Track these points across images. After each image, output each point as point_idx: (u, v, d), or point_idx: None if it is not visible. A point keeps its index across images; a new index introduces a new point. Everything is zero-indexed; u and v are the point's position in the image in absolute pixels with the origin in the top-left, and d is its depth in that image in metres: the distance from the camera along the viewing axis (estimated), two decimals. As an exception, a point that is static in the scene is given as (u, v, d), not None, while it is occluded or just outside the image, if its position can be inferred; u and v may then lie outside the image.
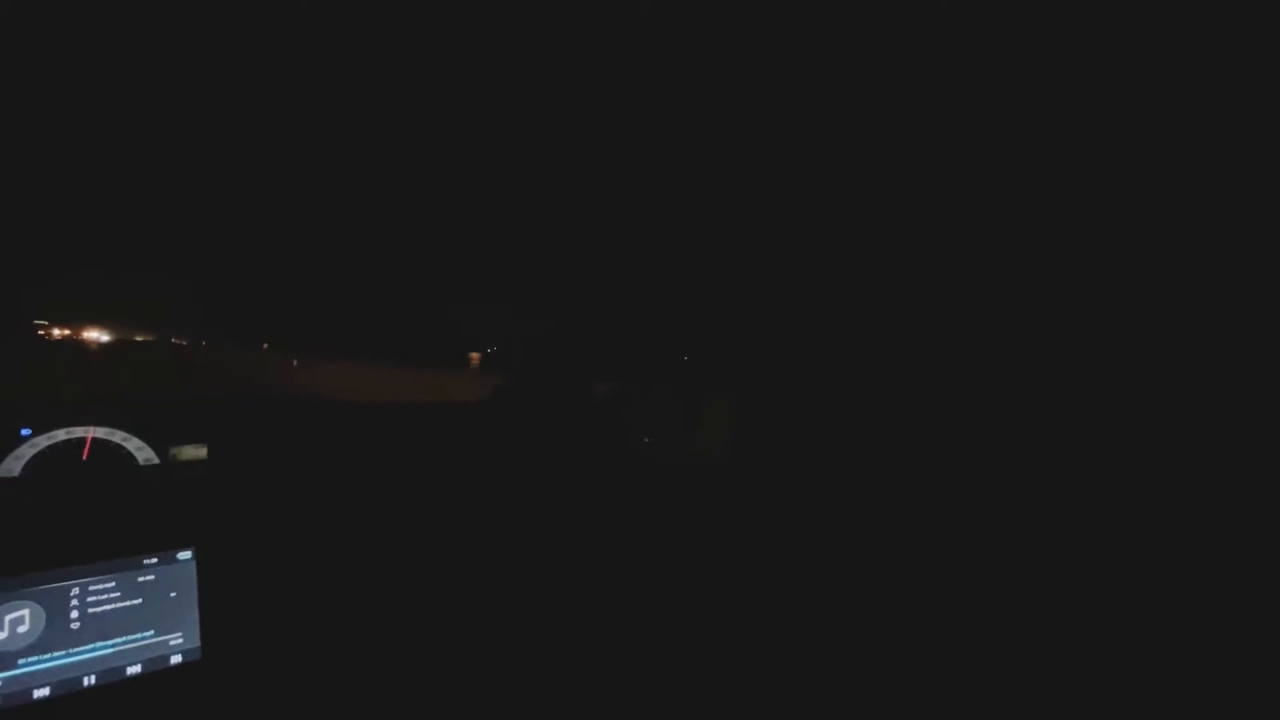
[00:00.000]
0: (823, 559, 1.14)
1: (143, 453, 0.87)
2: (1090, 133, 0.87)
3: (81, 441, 0.83)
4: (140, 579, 0.77)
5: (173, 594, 0.79)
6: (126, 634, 0.74)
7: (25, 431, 0.80)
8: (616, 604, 1.07)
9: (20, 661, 0.68)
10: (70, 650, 0.71)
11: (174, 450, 0.89)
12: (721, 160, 1.10)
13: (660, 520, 1.21)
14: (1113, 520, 0.93)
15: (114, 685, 0.72)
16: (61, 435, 0.82)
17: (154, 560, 0.79)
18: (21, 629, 0.70)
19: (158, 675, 0.74)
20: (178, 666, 0.76)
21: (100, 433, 0.85)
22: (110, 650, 0.73)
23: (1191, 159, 0.84)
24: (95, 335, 1.08)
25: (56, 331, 1.07)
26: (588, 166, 1.17)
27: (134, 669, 0.73)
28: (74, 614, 0.72)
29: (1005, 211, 0.98)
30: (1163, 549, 0.89)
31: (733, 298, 1.33)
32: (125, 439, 0.86)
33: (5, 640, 0.68)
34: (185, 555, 0.81)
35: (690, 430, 1.38)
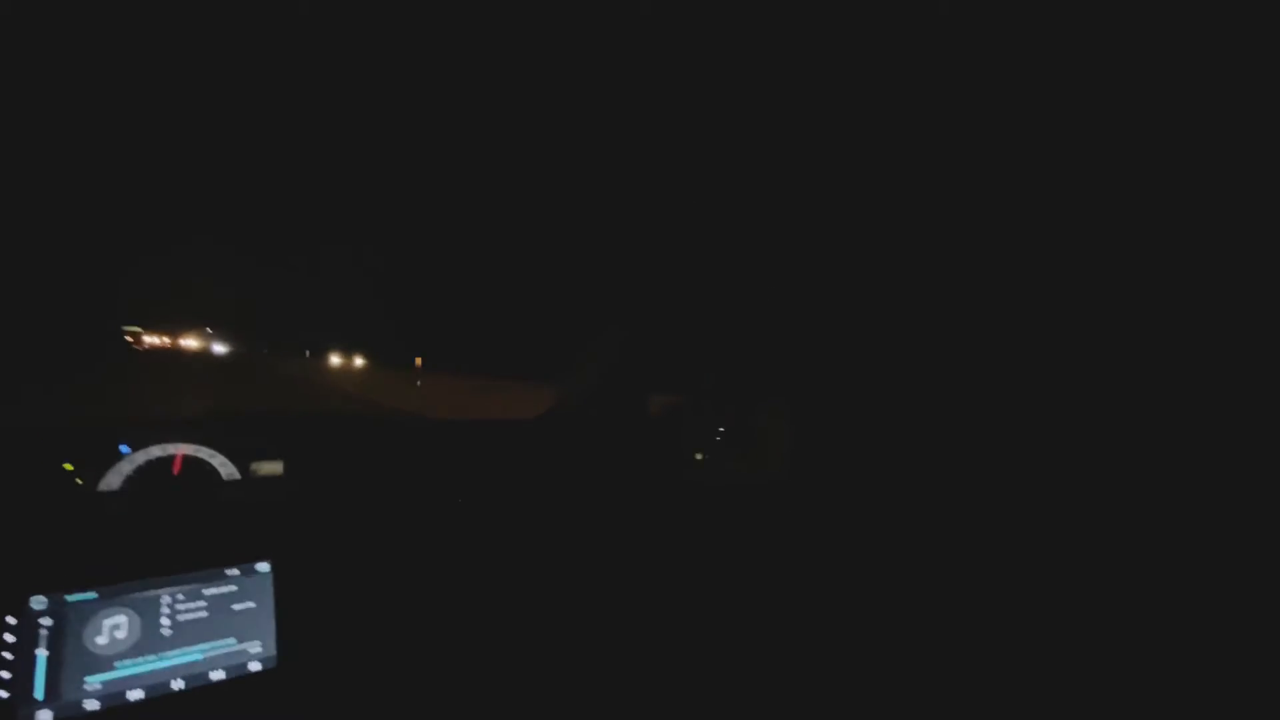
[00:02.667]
0: (880, 578, 1.09)
1: (226, 469, 0.92)
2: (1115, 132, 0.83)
3: (173, 458, 0.89)
4: (223, 589, 0.82)
5: (252, 604, 0.82)
6: (211, 640, 0.78)
7: (124, 449, 0.87)
8: (677, 619, 1.06)
9: (117, 664, 0.73)
10: (161, 655, 0.75)
11: (254, 466, 0.94)
12: (782, 167, 1.09)
13: (716, 537, 1.19)
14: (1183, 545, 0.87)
15: (199, 689, 0.76)
16: (156, 452, 0.88)
17: (235, 572, 0.83)
18: (119, 634, 0.74)
19: (238, 681, 0.78)
20: (256, 673, 0.79)
21: (189, 449, 0.91)
22: (196, 656, 0.77)
23: (1192, 159, 0.80)
24: (180, 343, 1.16)
25: (147, 340, 1.15)
26: (636, 178, 1.18)
27: (217, 674, 0.77)
28: (165, 621, 0.77)
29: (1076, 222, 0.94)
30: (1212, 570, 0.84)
31: (788, 306, 1.31)
32: (211, 455, 0.92)
33: (105, 645, 0.73)
34: (264, 567, 0.85)
35: (745, 445, 1.35)
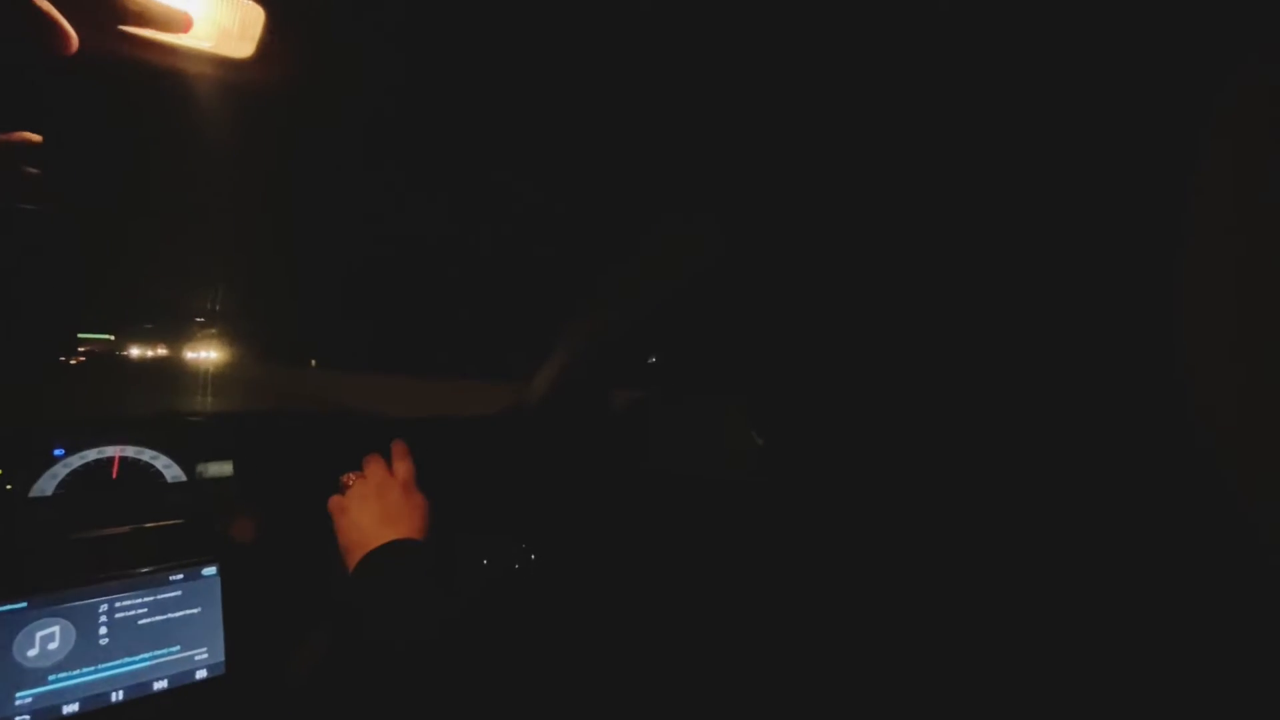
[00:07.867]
0: (846, 577, 1.11)
1: (170, 470, 0.88)
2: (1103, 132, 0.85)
3: (111, 460, 0.85)
4: (167, 595, 0.78)
5: (198, 609, 0.79)
6: (153, 649, 0.75)
7: (59, 452, 0.82)
8: (646, 617, 1.06)
9: (51, 678, 0.69)
10: (99, 666, 0.72)
11: (200, 467, 0.91)
12: (746, 162, 1.09)
13: (681, 532, 1.19)
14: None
15: (141, 700, 0.73)
16: (92, 455, 0.84)
17: (180, 576, 0.80)
18: (52, 646, 0.71)
19: (183, 690, 0.75)
20: (203, 681, 0.76)
21: (129, 452, 0.87)
22: (138, 666, 0.74)
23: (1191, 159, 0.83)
24: (127, 353, 1.11)
25: (135, 350, 1.09)
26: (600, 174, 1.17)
27: (160, 684, 0.74)
28: (103, 630, 0.74)
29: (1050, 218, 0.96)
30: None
31: (755, 305, 1.32)
32: (154, 457, 0.88)
33: (36, 657, 0.70)
34: (210, 571, 0.82)
35: (712, 439, 1.36)
